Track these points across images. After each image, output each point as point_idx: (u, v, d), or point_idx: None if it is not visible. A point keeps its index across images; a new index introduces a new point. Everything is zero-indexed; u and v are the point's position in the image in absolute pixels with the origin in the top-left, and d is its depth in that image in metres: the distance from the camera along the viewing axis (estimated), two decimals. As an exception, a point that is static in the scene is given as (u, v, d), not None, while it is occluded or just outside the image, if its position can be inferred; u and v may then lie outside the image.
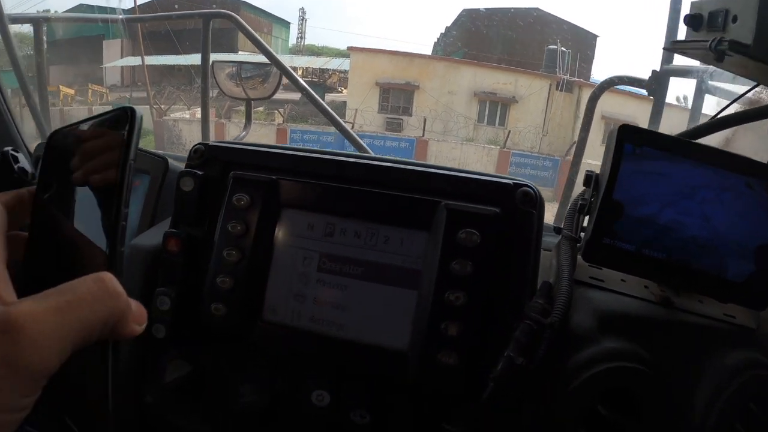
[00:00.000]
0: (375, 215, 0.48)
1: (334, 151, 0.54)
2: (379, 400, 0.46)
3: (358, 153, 0.47)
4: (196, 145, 0.53)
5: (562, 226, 0.50)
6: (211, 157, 0.52)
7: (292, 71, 1.61)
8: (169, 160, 0.59)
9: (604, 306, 0.46)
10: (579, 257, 0.47)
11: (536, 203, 0.47)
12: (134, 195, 0.59)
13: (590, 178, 0.48)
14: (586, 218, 0.48)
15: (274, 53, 1.72)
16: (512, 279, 0.46)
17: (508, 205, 0.47)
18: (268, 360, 0.48)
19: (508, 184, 0.48)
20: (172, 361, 0.50)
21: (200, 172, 0.50)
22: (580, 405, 0.42)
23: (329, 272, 0.48)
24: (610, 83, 1.55)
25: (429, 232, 0.47)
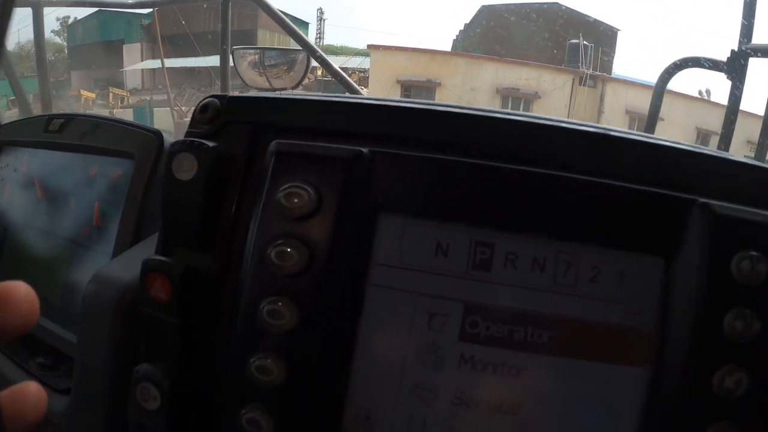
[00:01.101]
0: (572, 226, 0.23)
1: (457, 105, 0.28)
2: None
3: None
4: (206, 98, 0.29)
5: None
6: (231, 120, 0.27)
7: (323, 54, 1.41)
8: (165, 135, 0.34)
9: None
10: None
11: None
12: (111, 191, 0.35)
13: None
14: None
15: (302, 34, 1.52)
16: None
17: None
18: None
19: None
20: None
21: (210, 144, 0.25)
22: None
23: (486, 342, 0.23)
24: (682, 65, 1.34)
25: (669, 259, 0.23)
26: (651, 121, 1.42)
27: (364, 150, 0.23)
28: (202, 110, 0.28)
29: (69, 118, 0.37)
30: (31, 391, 0.17)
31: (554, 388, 0.23)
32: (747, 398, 0.22)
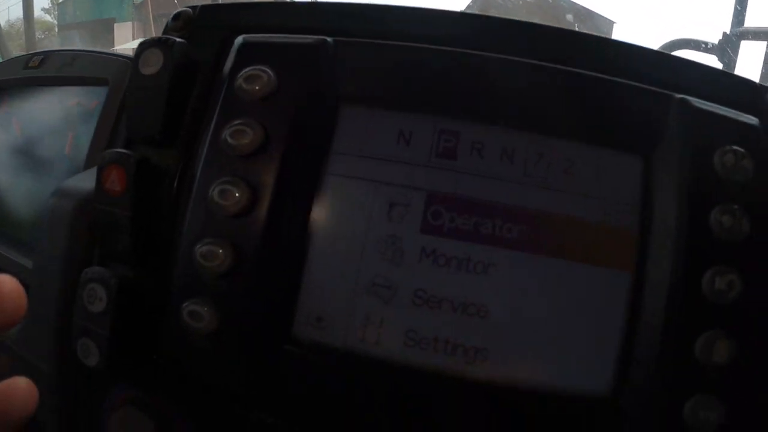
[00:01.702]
0: (544, 116, 0.22)
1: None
2: None
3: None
4: (180, 9, 0.28)
5: None
6: (202, 25, 0.27)
7: None
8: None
9: None
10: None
11: None
12: (86, 123, 0.35)
13: None
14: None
15: None
16: None
17: (762, 118, 0.23)
18: (307, 425, 0.22)
19: (754, 84, 0.25)
20: (118, 410, 0.24)
21: (178, 40, 0.25)
22: None
23: (450, 235, 0.21)
24: (673, 47, 1.34)
25: (647, 157, 0.22)
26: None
27: (329, 39, 0.23)
28: (174, 18, 0.27)
29: (48, 54, 0.37)
30: (21, 386, 0.17)
31: (527, 288, 0.21)
32: (740, 302, 0.20)
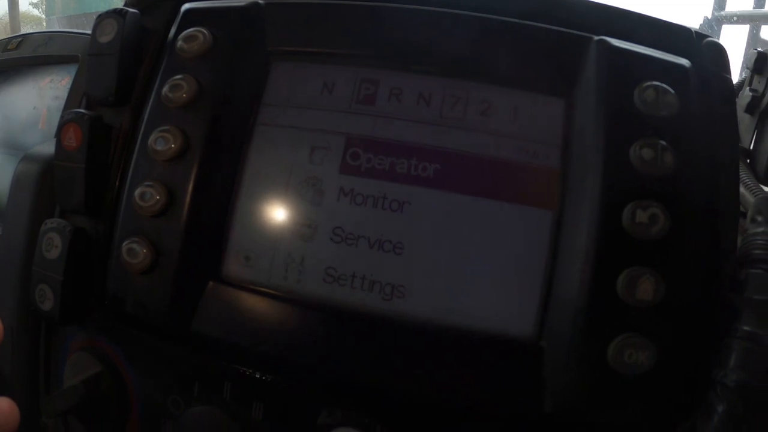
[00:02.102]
0: (461, 62, 0.25)
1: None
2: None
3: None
4: (139, -15, 0.33)
5: None
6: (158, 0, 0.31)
7: None
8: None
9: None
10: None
11: (730, 66, 0.28)
12: (58, 99, 0.40)
13: (764, 59, 0.38)
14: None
15: None
16: (717, 194, 0.25)
17: (694, 62, 0.26)
18: (236, 362, 0.25)
19: (688, 29, 0.29)
20: (76, 352, 0.29)
21: (132, 10, 0.29)
22: None
23: (367, 174, 0.24)
24: None
25: (568, 97, 0.25)
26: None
27: (260, 1, 0.27)
28: (132, -8, 0.32)
29: (25, 36, 0.43)
30: (3, 407, 0.19)
31: (443, 225, 0.24)
32: (668, 239, 0.22)
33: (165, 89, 0.26)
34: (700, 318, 0.23)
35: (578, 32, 0.25)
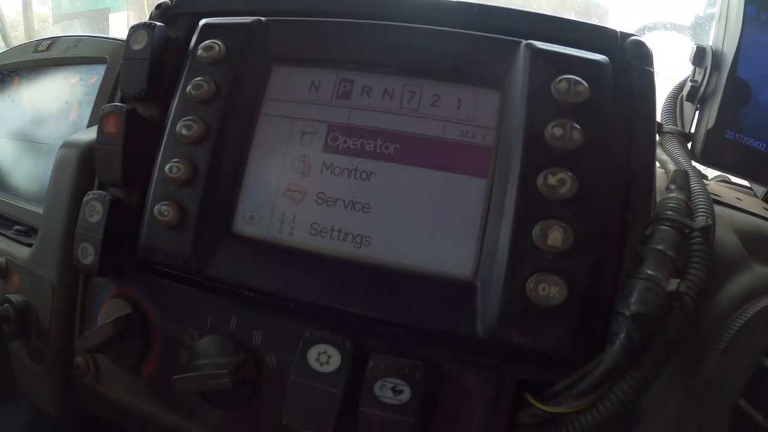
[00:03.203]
0: (416, 64, 0.39)
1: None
2: (423, 363, 0.34)
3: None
4: (161, 1, 0.48)
5: (659, 120, 0.42)
6: (178, 13, 0.46)
7: None
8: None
9: (745, 224, 0.42)
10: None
11: (652, 60, 0.40)
12: (88, 94, 0.55)
13: (702, 53, 0.48)
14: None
15: None
16: (632, 165, 0.37)
17: (615, 58, 0.38)
18: (242, 300, 0.39)
19: (613, 31, 0.40)
20: (109, 301, 0.43)
21: (159, 24, 0.44)
22: (747, 355, 0.36)
23: (343, 152, 0.38)
24: (651, 28, 1.59)
25: (501, 90, 0.38)
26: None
27: (263, 19, 0.41)
28: (156, 8, 0.47)
29: (55, 39, 0.58)
30: None
31: (401, 190, 0.37)
32: (573, 198, 0.34)
33: (189, 88, 0.40)
34: (608, 263, 0.35)
35: (510, 37, 0.38)
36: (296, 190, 0.38)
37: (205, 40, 0.41)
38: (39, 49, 0.59)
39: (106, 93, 0.51)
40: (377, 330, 0.36)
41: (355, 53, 0.39)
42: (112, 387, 0.44)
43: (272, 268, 0.38)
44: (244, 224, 0.39)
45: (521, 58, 0.37)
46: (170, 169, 0.39)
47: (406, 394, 0.34)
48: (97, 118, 0.52)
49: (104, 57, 0.53)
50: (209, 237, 0.39)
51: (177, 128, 0.39)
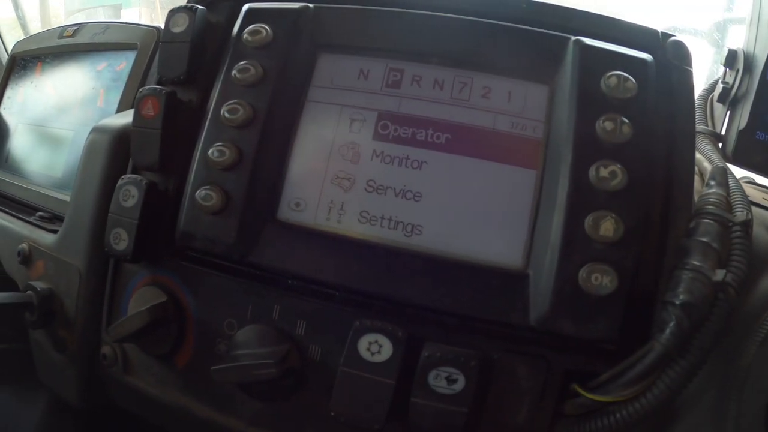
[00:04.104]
0: (467, 56, 0.38)
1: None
2: (477, 352, 0.33)
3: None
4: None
5: None
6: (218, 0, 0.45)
7: None
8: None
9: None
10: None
11: (691, 60, 0.40)
12: (115, 81, 0.54)
13: (734, 55, 0.49)
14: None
15: None
16: (674, 160, 0.38)
17: (657, 56, 0.39)
18: (285, 288, 0.37)
19: (655, 30, 0.41)
20: (141, 288, 0.41)
21: (200, 7, 0.43)
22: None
23: (394, 140, 0.37)
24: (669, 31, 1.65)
25: (551, 84, 0.38)
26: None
27: (310, 5, 0.40)
28: (195, -8, 0.46)
29: (82, 25, 0.56)
30: None
31: (452, 180, 0.36)
32: (627, 190, 0.34)
33: (234, 71, 0.39)
34: (656, 254, 0.35)
35: (560, 33, 0.38)
36: (345, 178, 0.37)
37: (250, 25, 0.40)
38: (64, 35, 0.57)
39: (136, 79, 0.50)
40: (427, 319, 0.35)
41: (405, 43, 0.39)
42: (141, 378, 0.42)
43: (319, 256, 0.36)
44: (290, 211, 0.38)
45: (570, 53, 0.37)
46: (213, 153, 0.37)
47: (460, 384, 0.33)
48: (128, 104, 0.51)
49: (134, 43, 0.52)
50: (253, 223, 0.37)
51: (221, 112, 0.38)
